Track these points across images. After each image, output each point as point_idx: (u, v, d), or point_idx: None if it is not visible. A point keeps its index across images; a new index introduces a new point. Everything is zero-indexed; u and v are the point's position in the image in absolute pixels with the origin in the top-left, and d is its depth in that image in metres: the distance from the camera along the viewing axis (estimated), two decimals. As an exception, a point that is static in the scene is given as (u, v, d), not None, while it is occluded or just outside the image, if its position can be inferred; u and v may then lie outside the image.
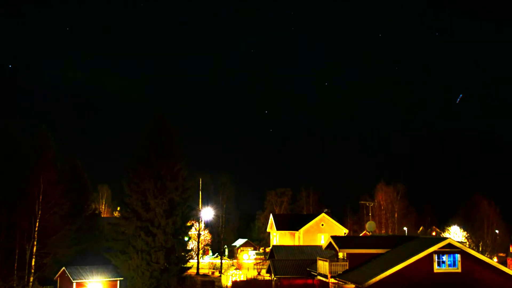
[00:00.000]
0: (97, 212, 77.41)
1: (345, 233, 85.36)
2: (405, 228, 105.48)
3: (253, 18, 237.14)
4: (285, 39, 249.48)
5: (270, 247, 74.26)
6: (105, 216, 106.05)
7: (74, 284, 50.78)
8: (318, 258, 47.70)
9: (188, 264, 58.02)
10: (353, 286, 38.19)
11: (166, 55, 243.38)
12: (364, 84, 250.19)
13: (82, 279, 51.28)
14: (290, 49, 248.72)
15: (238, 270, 74.35)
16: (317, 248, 62.25)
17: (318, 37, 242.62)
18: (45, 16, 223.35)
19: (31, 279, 49.92)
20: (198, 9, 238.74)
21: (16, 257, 49.49)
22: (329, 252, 47.29)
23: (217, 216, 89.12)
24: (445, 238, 38.73)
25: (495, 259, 77.89)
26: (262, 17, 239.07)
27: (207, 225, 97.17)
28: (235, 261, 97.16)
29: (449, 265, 36.93)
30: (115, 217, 71.36)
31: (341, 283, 40.68)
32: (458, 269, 36.91)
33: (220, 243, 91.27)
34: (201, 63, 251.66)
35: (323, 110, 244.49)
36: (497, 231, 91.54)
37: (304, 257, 57.13)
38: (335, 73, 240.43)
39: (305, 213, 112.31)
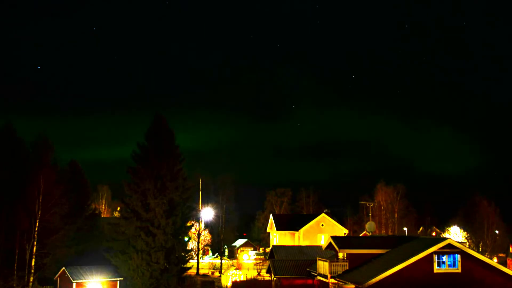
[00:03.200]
0: (97, 212, 77.45)
1: (345, 233, 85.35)
2: (405, 228, 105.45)
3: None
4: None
5: (270, 247, 74.24)
6: (105, 216, 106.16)
7: (74, 284, 50.73)
8: (318, 258, 47.69)
9: (188, 264, 57.99)
10: (353, 286, 38.18)
11: (168, 53, 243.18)
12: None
13: (82, 279, 51.24)
14: (296, 49, 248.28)
15: (238, 270, 74.33)
16: (317, 248, 62.26)
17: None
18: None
19: (31, 279, 49.92)
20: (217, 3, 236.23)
21: (16, 257, 49.48)
22: (329, 253, 47.28)
23: (217, 216, 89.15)
24: (445, 239, 38.67)
25: (495, 259, 77.88)
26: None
27: (207, 225, 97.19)
28: (235, 261, 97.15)
29: (449, 266, 36.90)
30: (115, 217, 71.41)
31: (341, 283, 40.67)
32: (458, 269, 36.86)
33: (220, 243, 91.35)
34: (208, 61, 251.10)
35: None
36: (497, 232, 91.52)
37: (304, 257, 57.10)
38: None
39: (305, 213, 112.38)
